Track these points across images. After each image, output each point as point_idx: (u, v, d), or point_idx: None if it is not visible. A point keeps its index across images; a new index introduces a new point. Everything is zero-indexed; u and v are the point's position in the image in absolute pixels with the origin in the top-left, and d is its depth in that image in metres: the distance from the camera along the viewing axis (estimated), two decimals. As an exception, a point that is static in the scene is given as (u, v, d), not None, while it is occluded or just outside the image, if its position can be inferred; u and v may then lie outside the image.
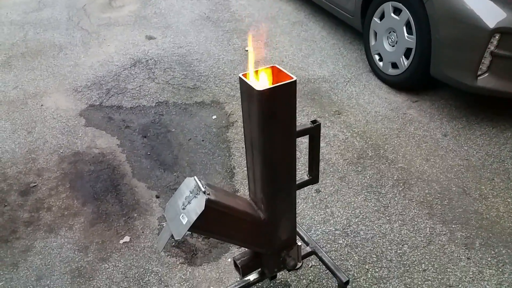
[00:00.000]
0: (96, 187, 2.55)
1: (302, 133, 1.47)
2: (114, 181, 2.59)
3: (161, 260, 2.10)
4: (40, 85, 3.60)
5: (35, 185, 2.58)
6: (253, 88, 1.21)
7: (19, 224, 2.34)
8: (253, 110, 1.27)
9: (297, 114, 3.01)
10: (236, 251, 2.10)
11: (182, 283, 1.99)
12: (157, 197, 2.47)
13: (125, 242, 2.21)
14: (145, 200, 2.45)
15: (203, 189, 1.30)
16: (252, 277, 1.68)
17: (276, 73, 1.32)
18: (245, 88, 1.27)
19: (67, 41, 4.31)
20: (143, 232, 2.26)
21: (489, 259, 2.02)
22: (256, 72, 1.31)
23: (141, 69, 3.72)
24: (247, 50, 3.91)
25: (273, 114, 1.25)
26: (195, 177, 1.35)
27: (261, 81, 1.30)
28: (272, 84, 1.28)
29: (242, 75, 1.28)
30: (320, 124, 1.49)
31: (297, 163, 2.61)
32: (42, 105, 3.34)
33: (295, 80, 1.24)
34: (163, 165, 2.69)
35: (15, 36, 4.46)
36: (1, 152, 2.86)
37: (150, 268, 2.07)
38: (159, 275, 2.03)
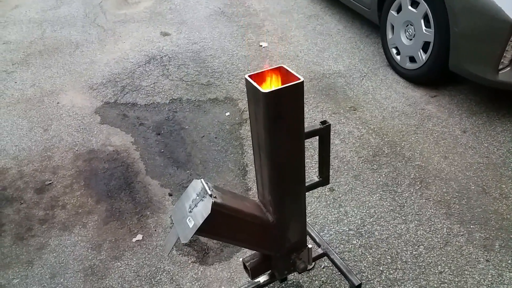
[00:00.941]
0: (110, 185, 2.57)
1: (311, 134, 1.43)
2: (127, 179, 2.60)
3: (173, 259, 2.09)
4: (57, 82, 3.63)
5: (50, 183, 2.61)
6: (259, 90, 1.18)
7: (34, 221, 2.37)
8: (259, 112, 1.24)
9: (311, 110, 2.99)
10: (248, 250, 2.08)
11: (193, 283, 1.98)
12: (170, 195, 2.47)
13: (138, 240, 2.22)
14: (158, 198, 2.45)
15: (209, 192, 1.27)
16: (262, 279, 1.66)
17: (283, 73, 1.28)
18: (251, 89, 1.24)
19: (83, 38, 4.34)
20: (155, 230, 2.26)
21: (509, 261, 1.95)
22: (263, 73, 1.28)
23: (156, 66, 3.72)
24: (261, 46, 3.87)
25: (280, 116, 1.22)
26: (202, 179, 1.33)
27: (268, 82, 1.26)
28: (279, 85, 1.25)
29: (249, 76, 1.25)
30: (330, 125, 1.45)
31: (311, 161, 2.58)
32: (58, 102, 3.37)
33: (302, 81, 1.20)
34: (176, 162, 2.69)
35: (33, 34, 4.51)
36: (18, 150, 2.90)
37: (162, 267, 2.07)
38: (171, 274, 2.03)
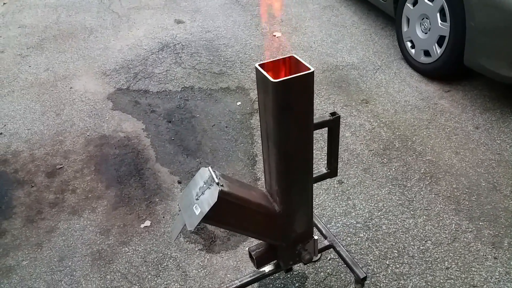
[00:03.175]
0: (120, 171, 2.59)
1: (320, 125, 1.42)
2: (137, 165, 2.61)
3: (180, 246, 2.11)
4: (70, 67, 3.65)
5: (61, 167, 2.64)
6: (268, 79, 1.17)
7: (44, 205, 2.40)
8: (268, 101, 1.23)
9: (323, 102, 2.97)
10: (254, 240, 2.08)
11: (199, 270, 1.99)
12: (179, 182, 2.48)
13: (146, 226, 2.23)
14: (167, 185, 2.46)
15: (216, 180, 1.28)
16: (267, 268, 1.66)
17: (294, 63, 1.28)
18: (260, 78, 1.23)
19: (97, 24, 4.36)
20: (163, 217, 2.27)
21: (517, 259, 1.93)
22: (274, 62, 1.27)
23: (169, 53, 3.72)
24: (275, 35, 3.85)
25: (289, 106, 1.21)
26: (210, 167, 1.33)
27: (278, 72, 1.26)
28: (289, 74, 1.24)
29: (259, 65, 1.25)
30: (339, 116, 1.44)
31: (320, 152, 2.57)
32: (71, 87, 3.39)
33: (313, 72, 1.19)
34: (186, 150, 2.70)
35: (49, 19, 4.54)
36: (30, 133, 2.93)
37: (169, 253, 2.08)
38: (178, 260, 2.05)
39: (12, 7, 4.87)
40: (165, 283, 1.95)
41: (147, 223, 2.25)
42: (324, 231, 1.82)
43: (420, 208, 2.20)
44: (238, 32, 3.96)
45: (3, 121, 3.07)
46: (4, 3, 5.02)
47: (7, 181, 2.57)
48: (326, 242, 1.77)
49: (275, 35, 3.86)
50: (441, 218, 2.14)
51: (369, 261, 1.96)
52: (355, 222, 2.15)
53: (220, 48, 3.74)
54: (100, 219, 2.29)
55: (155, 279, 1.97)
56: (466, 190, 2.28)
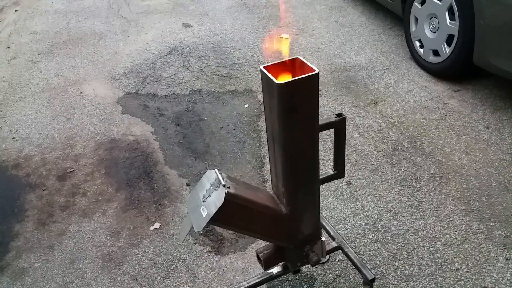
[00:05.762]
0: (129, 174, 2.61)
1: (326, 126, 1.42)
2: (147, 168, 2.63)
3: (189, 248, 2.12)
4: (80, 72, 3.70)
5: (72, 171, 2.67)
6: (273, 81, 1.18)
7: (55, 208, 2.43)
8: (273, 103, 1.24)
9: (331, 103, 2.97)
10: (263, 242, 2.09)
11: (208, 271, 2.00)
12: (188, 185, 2.49)
13: (155, 228, 2.25)
14: (176, 188, 2.48)
15: (223, 182, 1.28)
16: (275, 270, 1.66)
17: (299, 65, 1.28)
18: (265, 80, 1.24)
19: (107, 29, 4.40)
20: (172, 219, 2.29)
21: (529, 260, 1.91)
22: (278, 64, 1.27)
23: (177, 57, 3.74)
24: (282, 37, 3.85)
25: (294, 108, 1.22)
26: (216, 169, 1.34)
27: (283, 73, 1.26)
28: (294, 76, 1.24)
29: (264, 67, 1.25)
30: (345, 117, 1.44)
31: (329, 154, 2.56)
32: (81, 92, 3.43)
33: (317, 73, 1.20)
34: (195, 153, 2.71)
35: (59, 25, 4.59)
36: (41, 138, 2.97)
37: (178, 255, 2.10)
38: (187, 262, 2.06)
39: (23, 14, 4.95)
40: (174, 284, 1.96)
41: (157, 225, 2.27)
42: (332, 233, 1.82)
43: (429, 209, 2.18)
44: (245, 35, 3.97)
45: (15, 126, 3.12)
46: (16, 10, 5.10)
47: (19, 184, 2.61)
48: (334, 244, 1.76)
49: (282, 37, 3.86)
50: (451, 219, 2.12)
51: (378, 263, 1.95)
52: (363, 223, 2.14)
53: (228, 51, 3.76)
54: (110, 222, 2.31)
55: (165, 281, 1.98)
56: (477, 191, 2.25)
